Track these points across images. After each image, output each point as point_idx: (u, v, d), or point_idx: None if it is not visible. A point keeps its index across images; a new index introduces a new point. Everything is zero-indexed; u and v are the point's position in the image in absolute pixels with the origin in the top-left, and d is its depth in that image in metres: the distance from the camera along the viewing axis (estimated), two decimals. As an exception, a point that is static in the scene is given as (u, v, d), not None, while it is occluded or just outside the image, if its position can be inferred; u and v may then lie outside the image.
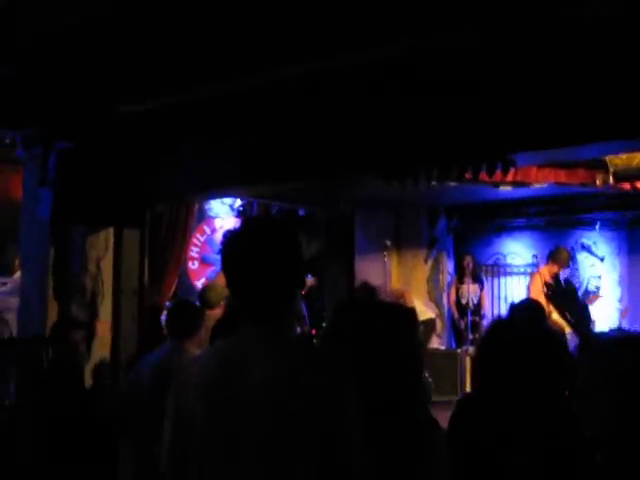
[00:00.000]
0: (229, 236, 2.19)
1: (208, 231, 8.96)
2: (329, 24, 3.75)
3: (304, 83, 4.31)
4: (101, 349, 5.73)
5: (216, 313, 5.50)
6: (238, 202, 8.95)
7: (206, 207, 8.90)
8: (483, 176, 6.18)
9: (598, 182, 6.81)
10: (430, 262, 9.36)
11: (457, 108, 4.21)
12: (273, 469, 1.90)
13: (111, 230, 5.67)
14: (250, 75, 4.16)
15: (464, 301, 9.21)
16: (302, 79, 4.26)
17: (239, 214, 9.06)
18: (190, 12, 3.73)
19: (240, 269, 2.07)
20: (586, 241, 9.17)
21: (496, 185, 6.89)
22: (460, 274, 9.41)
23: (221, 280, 7.51)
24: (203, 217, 8.90)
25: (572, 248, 9.08)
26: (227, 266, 2.11)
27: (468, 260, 9.26)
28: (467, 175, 5.24)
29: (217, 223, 9.01)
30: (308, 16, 3.65)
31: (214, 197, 7.64)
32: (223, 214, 9.03)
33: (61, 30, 3.99)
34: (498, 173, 5.78)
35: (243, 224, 2.16)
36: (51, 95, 4.94)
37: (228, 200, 8.89)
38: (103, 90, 4.54)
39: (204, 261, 8.92)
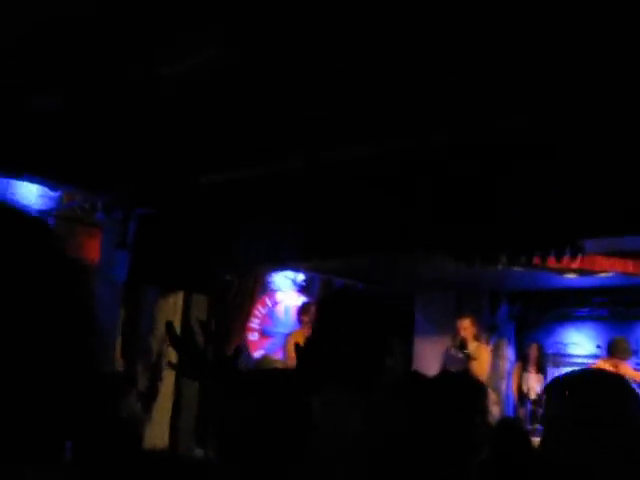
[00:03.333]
0: (326, 303, 2.27)
1: (269, 304, 9.06)
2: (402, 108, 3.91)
3: (373, 160, 4.45)
4: (161, 412, 5.83)
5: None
6: (300, 277, 9.08)
7: (269, 280, 9.04)
8: (550, 262, 6.22)
9: (665, 273, 6.72)
10: (490, 348, 9.24)
11: (529, 194, 4.29)
12: None
13: (181, 295, 5.85)
14: (320, 153, 4.33)
15: (525, 389, 9.02)
16: (371, 157, 4.40)
17: (301, 289, 9.17)
18: (272, 87, 3.93)
19: (332, 337, 2.16)
20: (651, 335, 8.94)
21: (562, 272, 6.86)
22: (524, 362, 9.24)
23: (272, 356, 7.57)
24: (265, 290, 9.03)
25: (637, 341, 8.86)
26: (321, 333, 2.20)
27: (534, 348, 9.11)
28: (535, 261, 5.28)
29: (278, 297, 9.12)
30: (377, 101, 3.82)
31: (279, 269, 7.78)
32: (285, 288, 9.15)
33: (145, 97, 4.23)
34: (565, 260, 5.80)
35: (338, 294, 2.27)
36: (135, 162, 5.20)
37: (290, 274, 9.03)
38: (186, 161, 4.77)
39: (264, 333, 8.99)
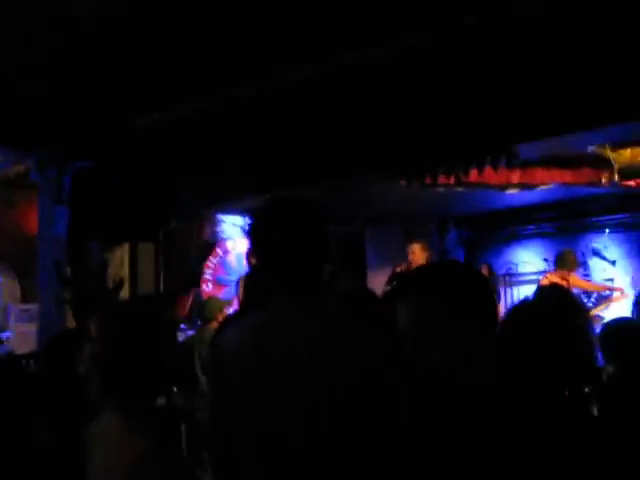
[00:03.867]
0: (259, 215, 2.26)
1: (221, 253, 9.05)
2: (333, 23, 3.85)
3: (314, 85, 4.39)
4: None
5: (213, 326, 5.66)
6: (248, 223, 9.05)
7: (218, 229, 9.00)
8: (490, 178, 6.29)
9: (604, 180, 6.85)
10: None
11: (459, 106, 4.31)
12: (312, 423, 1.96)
13: (126, 248, 5.78)
14: (256, 82, 4.27)
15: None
16: (311, 81, 4.34)
17: (246, 234, 9.15)
18: (196, 20, 3.85)
19: (272, 246, 2.14)
20: (597, 245, 9.17)
21: (503, 188, 6.95)
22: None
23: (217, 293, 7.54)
24: (215, 239, 9.00)
25: (583, 253, 9.10)
26: (258, 244, 2.19)
27: (484, 270, 9.28)
28: (473, 176, 5.34)
29: (229, 245, 9.10)
30: (312, 16, 3.75)
31: (225, 212, 7.73)
32: (235, 236, 9.12)
33: (71, 44, 4.11)
34: (504, 174, 5.88)
35: (271, 204, 2.24)
36: (64, 114, 5.06)
37: (239, 221, 8.99)
38: (115, 104, 4.66)
39: (218, 282, 8.99)
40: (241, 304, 3.75)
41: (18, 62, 4.39)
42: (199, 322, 6.41)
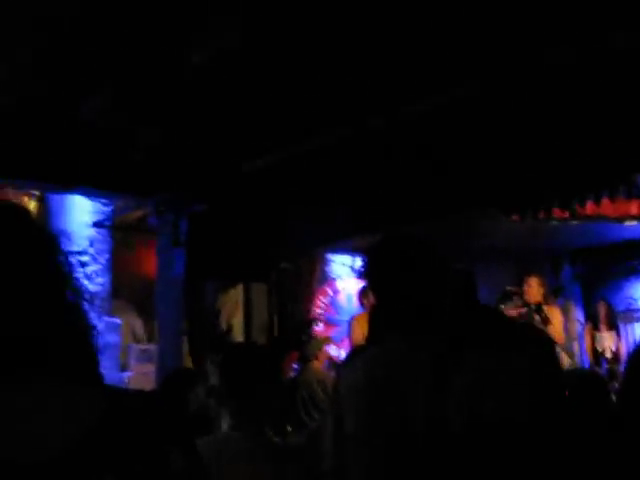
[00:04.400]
0: (374, 253, 2.28)
1: (331, 292, 9.10)
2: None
3: (422, 121, 4.39)
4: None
5: (315, 365, 5.65)
6: (358, 262, 9.08)
7: (327, 269, 9.08)
8: (607, 210, 6.08)
9: None
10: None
11: (573, 136, 4.20)
12: None
13: (240, 287, 5.91)
14: (364, 120, 4.31)
15: (600, 349, 8.85)
16: (421, 117, 4.34)
17: (360, 274, 9.17)
18: (306, 62, 3.94)
19: (387, 284, 2.16)
20: None
21: (621, 220, 6.70)
22: (593, 321, 9.06)
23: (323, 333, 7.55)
24: (325, 279, 9.07)
25: None
26: (373, 283, 2.21)
27: (601, 306, 8.93)
28: (589, 208, 5.17)
29: (339, 285, 9.15)
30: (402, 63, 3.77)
31: (333, 251, 7.79)
32: (344, 275, 9.17)
33: (186, 92, 4.28)
34: (622, 205, 5.68)
35: (385, 242, 2.26)
36: (180, 161, 5.27)
37: (348, 261, 9.04)
38: (227, 149, 4.81)
39: (328, 322, 9.03)
40: (366, 339, 3.78)
41: (135, 111, 4.62)
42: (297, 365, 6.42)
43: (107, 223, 6.11)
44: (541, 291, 7.70)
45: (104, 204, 6.16)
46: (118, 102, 4.47)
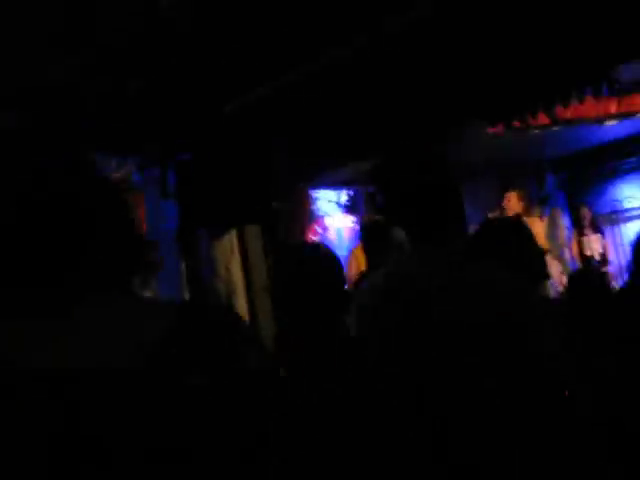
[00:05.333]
0: (387, 160, 2.28)
1: (320, 230, 9.12)
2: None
3: (402, 38, 4.31)
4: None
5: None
6: (344, 197, 9.09)
7: (314, 208, 9.08)
8: (587, 111, 6.10)
9: None
10: (545, 220, 9.18)
11: (550, 36, 4.16)
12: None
13: (234, 233, 5.89)
14: (346, 43, 4.22)
15: (588, 253, 9.00)
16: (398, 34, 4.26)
17: (347, 209, 9.19)
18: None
19: (402, 189, 2.16)
20: None
21: (601, 121, 6.73)
22: (579, 227, 9.20)
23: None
24: (313, 218, 9.08)
25: (691, 178, 8.74)
26: (387, 188, 2.22)
27: (584, 211, 9.06)
28: (570, 110, 5.17)
29: (327, 221, 9.17)
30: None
31: (325, 186, 7.78)
32: (331, 211, 9.18)
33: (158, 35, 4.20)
34: (601, 105, 5.70)
35: (399, 150, 2.28)
36: (158, 113, 5.20)
37: (333, 197, 9.04)
38: (205, 92, 4.74)
39: (322, 260, 9.07)
40: (367, 258, 3.81)
41: (110, 63, 4.53)
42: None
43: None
44: (520, 205, 7.79)
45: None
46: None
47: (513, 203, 7.89)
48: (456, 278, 2.05)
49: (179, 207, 5.46)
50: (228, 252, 5.94)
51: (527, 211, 8.02)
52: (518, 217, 6.62)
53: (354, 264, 7.35)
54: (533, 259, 2.59)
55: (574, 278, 3.71)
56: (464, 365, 1.90)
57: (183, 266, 5.90)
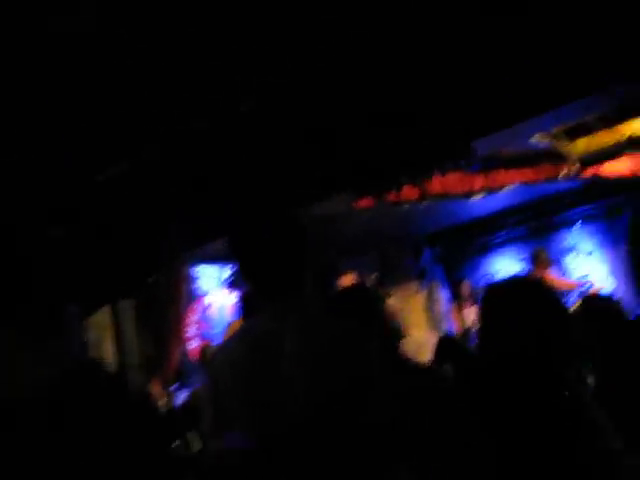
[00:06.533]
0: (240, 230, 2.32)
1: (202, 308, 8.99)
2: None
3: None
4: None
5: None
6: (226, 273, 9.03)
7: (195, 286, 8.97)
8: (454, 187, 6.38)
9: (564, 173, 6.99)
10: (424, 293, 9.43)
11: (409, 110, 4.32)
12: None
13: (107, 312, 5.71)
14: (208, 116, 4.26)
15: (468, 324, 9.26)
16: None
17: (230, 286, 9.12)
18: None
19: (253, 255, 2.19)
20: (570, 241, 9.25)
21: (468, 196, 7.04)
22: (458, 299, 9.47)
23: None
24: (194, 297, 8.95)
25: (558, 251, 9.19)
26: (242, 257, 2.24)
27: (464, 284, 9.35)
28: (436, 185, 5.40)
29: (209, 299, 9.06)
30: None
31: (205, 262, 7.74)
32: (213, 289, 9.09)
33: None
34: (467, 181, 5.98)
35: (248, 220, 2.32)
36: (24, 188, 5.05)
37: (215, 273, 8.98)
38: (76, 165, 4.63)
39: (204, 338, 8.92)
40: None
41: None
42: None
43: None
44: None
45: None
46: None
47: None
48: (305, 340, 2.06)
49: (49, 282, 5.25)
50: (100, 329, 5.76)
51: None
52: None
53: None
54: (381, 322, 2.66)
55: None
56: (302, 426, 1.90)
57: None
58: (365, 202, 5.91)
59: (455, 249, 9.73)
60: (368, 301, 2.73)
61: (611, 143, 6.75)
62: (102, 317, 5.76)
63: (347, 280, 7.70)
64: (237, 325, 7.77)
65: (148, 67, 3.59)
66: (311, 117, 4.15)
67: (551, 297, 2.46)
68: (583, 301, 3.86)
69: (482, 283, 9.90)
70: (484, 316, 2.60)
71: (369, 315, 2.65)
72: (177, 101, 3.84)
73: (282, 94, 3.83)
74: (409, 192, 5.56)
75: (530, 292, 2.45)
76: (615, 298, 3.99)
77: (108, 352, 5.88)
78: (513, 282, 2.59)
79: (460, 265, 9.85)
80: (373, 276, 8.16)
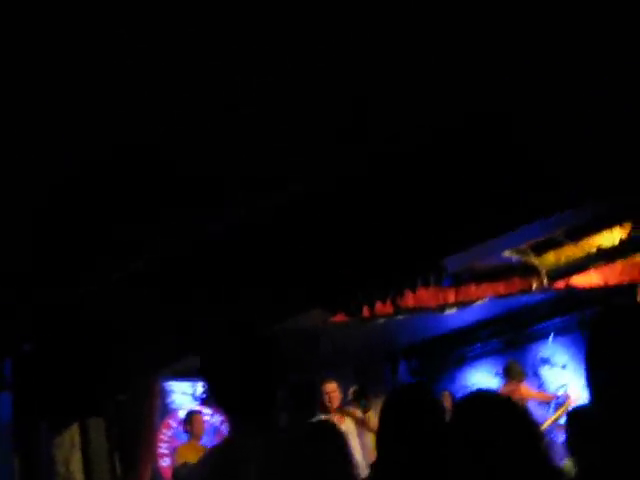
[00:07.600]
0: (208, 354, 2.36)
1: (174, 424, 8.82)
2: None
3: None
4: None
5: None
6: (199, 388, 8.92)
7: (168, 401, 8.84)
8: (427, 301, 6.45)
9: (534, 286, 7.12)
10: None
11: (377, 225, 4.37)
12: None
13: (76, 428, 5.59)
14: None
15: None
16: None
17: (202, 401, 8.99)
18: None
19: (223, 381, 2.23)
20: (545, 353, 9.27)
21: (441, 309, 7.11)
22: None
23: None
24: (167, 412, 8.80)
25: (533, 363, 9.21)
26: (210, 377, 2.28)
27: (445, 396, 9.27)
28: (410, 299, 5.47)
29: (182, 414, 8.90)
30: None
31: (177, 378, 7.65)
32: (186, 404, 8.95)
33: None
34: (440, 295, 6.07)
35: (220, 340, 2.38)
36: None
37: (189, 389, 8.88)
38: (45, 282, 4.68)
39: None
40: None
41: None
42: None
43: None
44: (339, 397, 7.72)
45: None
46: None
47: (333, 393, 7.82)
48: (271, 464, 2.07)
49: (16, 400, 5.17)
50: (68, 447, 5.59)
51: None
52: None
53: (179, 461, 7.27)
54: None
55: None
56: None
57: (17, 464, 5.49)
58: (339, 317, 5.94)
59: (431, 362, 9.73)
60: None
61: (580, 256, 6.91)
62: (70, 434, 5.62)
63: (331, 387, 7.60)
64: (185, 449, 7.70)
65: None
66: (282, 242, 4.25)
67: (518, 414, 2.48)
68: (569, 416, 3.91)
69: (459, 395, 9.84)
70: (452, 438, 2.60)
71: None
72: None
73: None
74: (382, 307, 5.59)
75: (495, 409, 2.46)
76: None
77: (76, 471, 5.69)
78: (478, 399, 2.60)
79: (437, 378, 9.81)
80: (352, 389, 8.09)
